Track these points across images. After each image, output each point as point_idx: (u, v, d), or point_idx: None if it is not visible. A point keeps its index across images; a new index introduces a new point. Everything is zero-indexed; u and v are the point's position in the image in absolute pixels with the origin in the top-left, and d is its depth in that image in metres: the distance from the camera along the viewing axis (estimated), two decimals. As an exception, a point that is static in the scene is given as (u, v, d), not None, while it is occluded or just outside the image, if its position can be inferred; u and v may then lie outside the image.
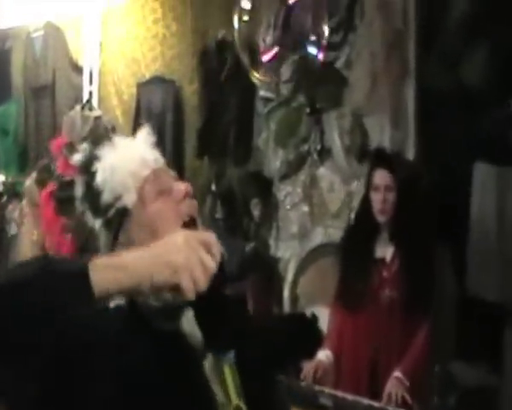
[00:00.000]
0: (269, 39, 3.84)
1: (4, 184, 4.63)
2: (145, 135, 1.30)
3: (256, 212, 3.62)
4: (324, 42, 3.19)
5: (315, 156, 3.59)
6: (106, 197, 1.20)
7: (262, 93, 3.82)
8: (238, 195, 3.76)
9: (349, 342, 2.61)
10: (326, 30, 3.53)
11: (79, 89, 4.72)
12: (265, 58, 3.26)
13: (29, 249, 3.83)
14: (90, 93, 4.67)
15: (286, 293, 3.44)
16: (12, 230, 4.35)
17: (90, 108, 4.57)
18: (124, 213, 1.19)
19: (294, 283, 3.43)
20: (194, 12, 4.22)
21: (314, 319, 2.41)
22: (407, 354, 2.45)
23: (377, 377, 2.50)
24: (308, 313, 3.18)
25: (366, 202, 2.66)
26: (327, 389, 2.40)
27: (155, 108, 4.32)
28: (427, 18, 3.38)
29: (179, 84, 4.26)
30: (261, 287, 3.51)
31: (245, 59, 3.12)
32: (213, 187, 3.80)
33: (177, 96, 4.26)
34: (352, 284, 2.61)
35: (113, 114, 4.59)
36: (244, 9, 3.10)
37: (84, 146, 1.28)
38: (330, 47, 3.61)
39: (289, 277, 3.46)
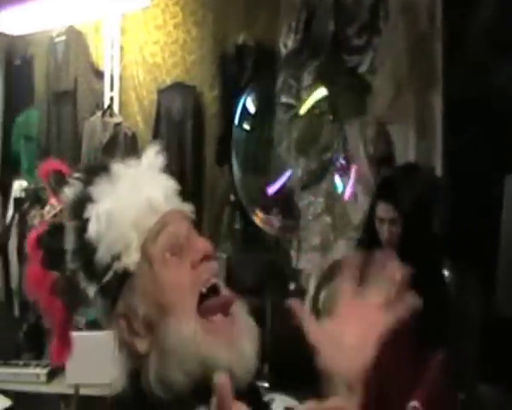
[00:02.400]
0: (290, 44, 3.75)
1: (26, 190, 4.60)
2: (153, 158, 1.06)
3: (276, 222, 3.52)
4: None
5: (338, 165, 3.47)
6: (101, 256, 0.93)
7: (283, 99, 3.70)
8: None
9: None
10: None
11: (100, 94, 4.67)
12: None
13: None
14: (111, 99, 4.62)
15: (307, 307, 3.33)
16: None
17: (111, 114, 4.54)
18: (124, 276, 0.94)
19: (316, 296, 3.32)
20: (214, 16, 4.15)
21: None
22: (423, 382, 2.32)
23: (392, 406, 2.38)
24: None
25: (371, 229, 2.53)
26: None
27: (176, 114, 4.24)
28: (454, 21, 3.22)
29: (200, 90, 4.20)
30: (282, 301, 3.41)
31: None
32: (232, 197, 3.70)
33: (197, 102, 4.19)
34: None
35: (133, 119, 4.55)
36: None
37: (77, 178, 1.01)
38: (353, 51, 3.52)
39: (311, 290, 3.35)
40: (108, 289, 0.94)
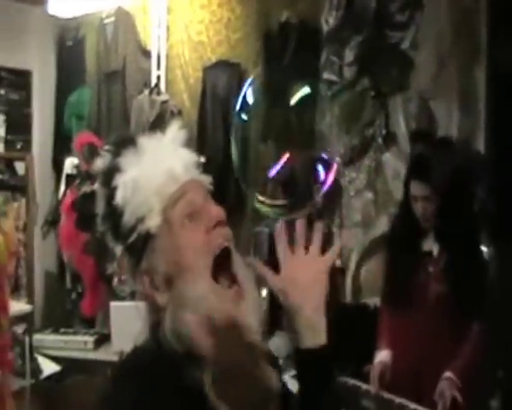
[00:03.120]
0: (331, 20, 3.76)
1: (78, 166, 4.75)
2: (175, 133, 1.14)
3: (318, 198, 3.54)
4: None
5: (380, 141, 3.48)
6: (127, 219, 1.04)
7: (326, 75, 3.72)
8: (300, 179, 3.69)
9: (398, 340, 2.52)
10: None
11: (148, 73, 4.77)
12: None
13: None
14: (158, 77, 4.72)
15: (348, 283, 3.37)
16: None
17: (158, 93, 4.64)
18: (147, 237, 1.05)
19: (357, 272, 3.36)
20: (258, -7, 4.17)
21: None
22: (458, 355, 2.35)
23: (423, 376, 2.42)
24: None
25: (407, 206, 2.56)
26: (370, 388, 2.34)
27: (221, 91, 4.31)
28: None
29: (244, 68, 4.23)
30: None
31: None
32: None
33: (241, 80, 4.23)
34: (399, 278, 2.52)
35: (179, 97, 4.63)
36: None
37: (107, 150, 1.10)
38: (396, 27, 3.50)
39: (352, 266, 3.39)
40: (133, 248, 1.06)
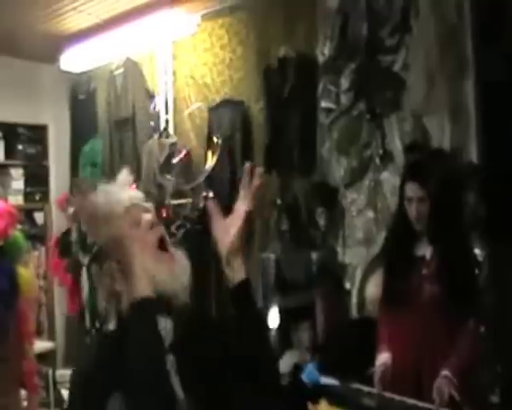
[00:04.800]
0: (327, 51, 3.91)
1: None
2: (124, 177, 1.57)
3: (322, 221, 3.64)
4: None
5: (377, 161, 3.57)
6: (89, 239, 1.52)
7: (323, 104, 3.85)
8: (303, 206, 3.80)
9: (397, 343, 2.58)
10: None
11: (156, 118, 4.96)
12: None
13: None
14: (167, 121, 4.90)
15: (354, 299, 3.42)
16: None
17: (167, 136, 4.81)
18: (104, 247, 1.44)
19: (361, 288, 3.41)
20: (257, 34, 4.35)
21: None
22: (455, 353, 2.39)
23: (422, 375, 2.46)
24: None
25: (401, 210, 2.66)
26: (373, 390, 2.38)
27: (225, 128, 4.45)
28: (483, 8, 3.30)
29: (247, 104, 4.39)
30: (330, 294, 3.53)
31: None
32: (278, 200, 3.86)
33: (245, 116, 4.38)
34: (394, 282, 2.60)
35: (187, 137, 4.80)
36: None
37: (75, 198, 1.59)
38: (387, 51, 3.63)
39: (356, 282, 3.45)
40: (97, 257, 1.47)
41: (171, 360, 1.36)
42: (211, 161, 4.37)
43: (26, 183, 5.32)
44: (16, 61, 5.42)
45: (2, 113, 5.22)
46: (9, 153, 5.27)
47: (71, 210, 1.44)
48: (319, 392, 2.42)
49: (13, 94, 5.35)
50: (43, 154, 5.49)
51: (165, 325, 1.39)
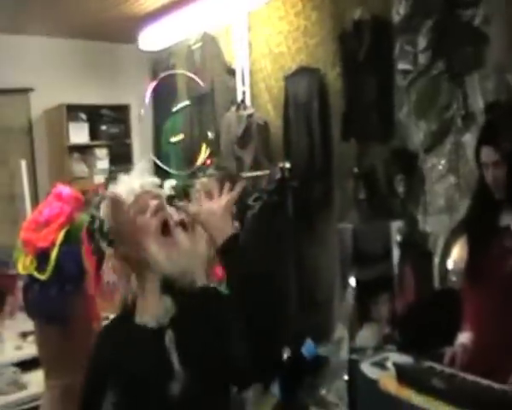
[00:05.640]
0: (402, 10, 3.71)
1: (175, 187, 4.95)
2: (141, 166, 1.70)
3: (401, 188, 3.49)
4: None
5: (459, 123, 3.37)
6: (106, 226, 1.58)
7: (400, 66, 3.68)
8: (381, 173, 3.66)
9: (478, 320, 2.42)
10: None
11: (234, 90, 4.93)
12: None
13: (203, 247, 4.06)
14: (244, 93, 4.86)
15: (436, 268, 3.27)
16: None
17: (244, 108, 4.77)
18: (120, 235, 1.56)
19: (443, 258, 3.25)
20: (331, -3, 4.21)
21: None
22: None
23: (504, 355, 2.29)
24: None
25: (481, 177, 2.46)
26: (446, 369, 2.25)
27: (302, 97, 4.35)
28: None
29: (323, 71, 4.27)
30: (411, 265, 3.39)
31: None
32: (355, 169, 3.74)
33: (321, 83, 4.26)
34: (477, 256, 2.43)
35: (264, 108, 4.74)
36: None
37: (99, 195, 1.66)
38: (466, 4, 3.40)
39: (438, 251, 3.29)
40: (113, 241, 1.58)
41: (170, 335, 1.46)
42: (204, 153, 4.42)
43: (110, 162, 5.46)
44: (97, 44, 5.55)
45: (86, 96, 5.37)
46: (94, 134, 5.41)
47: (96, 199, 1.56)
48: (317, 364, 2.31)
49: (95, 77, 5.50)
50: (126, 133, 5.60)
51: (166, 302, 1.51)
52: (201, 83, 5.09)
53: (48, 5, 4.69)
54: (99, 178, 5.32)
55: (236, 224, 1.61)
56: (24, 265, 3.16)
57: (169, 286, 1.52)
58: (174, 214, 1.56)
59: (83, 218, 3.14)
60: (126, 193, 1.56)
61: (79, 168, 5.29)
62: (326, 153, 4.16)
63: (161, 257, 1.49)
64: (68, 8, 4.77)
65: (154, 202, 1.54)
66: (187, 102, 5.22)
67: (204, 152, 4.99)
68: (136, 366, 1.46)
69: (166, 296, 1.52)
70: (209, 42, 5.16)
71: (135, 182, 1.59)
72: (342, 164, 4.02)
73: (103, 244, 1.59)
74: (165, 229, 1.52)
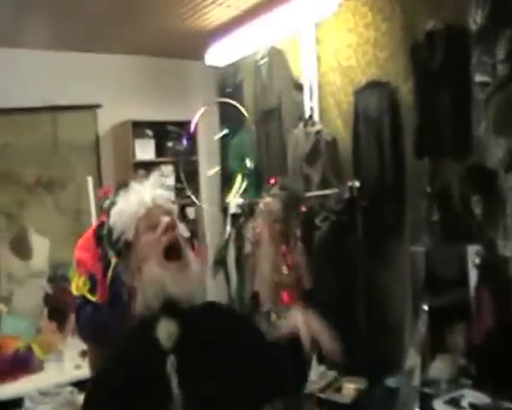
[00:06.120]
0: (479, 19, 3.49)
1: (242, 206, 4.87)
2: (156, 178, 1.64)
3: (478, 210, 3.26)
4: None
5: (541, 140, 3.12)
6: (115, 234, 1.58)
7: (478, 78, 3.44)
8: (456, 193, 3.43)
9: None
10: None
11: (302, 106, 4.80)
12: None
13: (267, 268, 3.94)
14: (311, 108, 4.72)
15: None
16: (247, 248, 4.55)
17: (312, 124, 4.63)
18: (127, 245, 1.56)
19: (527, 285, 3.00)
20: (402, 8, 4.02)
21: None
22: None
23: None
24: None
25: None
26: None
27: (372, 112, 4.17)
28: None
29: (394, 85, 4.08)
30: (491, 291, 3.15)
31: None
32: (428, 188, 3.52)
33: (392, 98, 4.08)
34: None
35: (333, 124, 4.59)
36: None
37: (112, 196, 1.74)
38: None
39: (521, 278, 3.04)
40: (120, 252, 1.59)
41: (172, 360, 1.44)
42: (239, 185, 4.28)
43: (177, 179, 5.41)
44: (163, 60, 5.54)
45: (153, 112, 5.35)
46: (159, 150, 5.38)
47: (106, 203, 1.57)
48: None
49: (161, 93, 5.49)
50: (193, 149, 5.55)
51: (169, 327, 1.48)
52: (245, 113, 5.08)
53: (116, 23, 4.72)
54: (165, 196, 5.28)
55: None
56: (77, 286, 3.10)
57: (171, 308, 1.49)
58: (184, 232, 1.59)
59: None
60: (137, 204, 1.56)
61: (145, 185, 5.24)
62: (397, 171, 3.96)
63: (166, 279, 1.48)
64: (135, 25, 4.78)
65: (165, 219, 1.53)
66: (226, 131, 5.15)
67: (240, 183, 4.91)
68: (135, 387, 1.43)
69: (170, 321, 1.48)
70: (276, 56, 5.06)
71: (146, 193, 1.58)
72: (415, 183, 3.81)
73: (110, 252, 1.62)
74: (174, 247, 1.52)
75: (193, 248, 1.56)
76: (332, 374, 3.28)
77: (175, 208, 1.62)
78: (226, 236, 4.93)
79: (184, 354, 1.45)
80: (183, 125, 5.48)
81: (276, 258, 3.86)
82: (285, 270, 3.71)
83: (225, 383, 1.44)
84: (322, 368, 3.27)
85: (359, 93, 4.32)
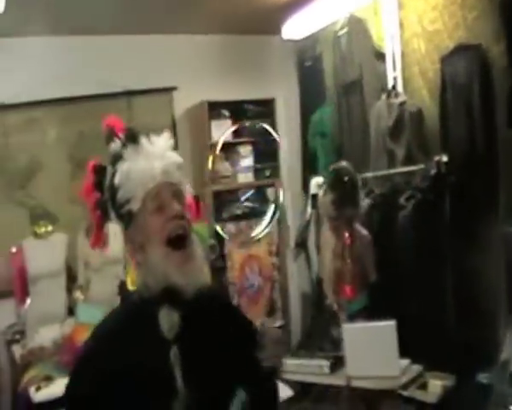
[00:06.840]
0: None
1: (320, 185, 4.65)
2: (166, 140, 1.51)
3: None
4: None
5: None
6: (119, 197, 1.46)
7: None
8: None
9: None
10: None
11: (384, 76, 4.51)
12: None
13: (327, 258, 3.73)
14: (395, 79, 4.42)
15: None
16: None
17: (396, 95, 4.34)
18: (131, 214, 1.46)
19: None
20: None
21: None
22: None
23: None
24: None
25: None
26: None
27: (461, 79, 3.83)
28: None
29: (485, 47, 3.72)
30: None
31: None
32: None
33: (483, 62, 3.72)
34: None
35: (418, 95, 4.29)
36: None
37: (119, 139, 1.49)
38: None
39: None
40: (122, 219, 1.49)
41: (175, 351, 1.38)
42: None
43: (256, 159, 5.25)
44: (237, 37, 5.38)
45: (230, 92, 5.20)
46: (237, 130, 5.22)
47: (112, 146, 1.36)
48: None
49: (238, 71, 5.34)
50: (272, 128, 5.36)
51: (171, 317, 1.41)
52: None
53: (191, 3, 4.59)
54: (243, 177, 5.13)
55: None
56: (132, 280, 3.02)
57: (173, 297, 1.42)
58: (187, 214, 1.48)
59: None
60: (146, 174, 1.44)
61: (222, 167, 5.11)
62: (490, 143, 3.62)
63: (169, 269, 1.41)
64: (210, 4, 4.65)
65: (175, 207, 1.44)
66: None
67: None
68: (136, 376, 1.37)
69: (172, 310, 1.41)
70: (356, 25, 4.77)
71: (156, 163, 1.46)
72: (509, 156, 3.47)
73: (112, 213, 1.50)
74: (180, 237, 1.43)
75: (197, 206, 1.40)
76: (416, 368, 3.01)
77: (185, 186, 1.52)
78: (307, 217, 4.73)
79: (186, 346, 1.40)
80: (262, 103, 5.30)
81: (336, 249, 3.63)
82: (347, 261, 3.47)
83: (225, 375, 1.44)
84: (406, 362, 3.01)
85: (446, 59, 3.99)
